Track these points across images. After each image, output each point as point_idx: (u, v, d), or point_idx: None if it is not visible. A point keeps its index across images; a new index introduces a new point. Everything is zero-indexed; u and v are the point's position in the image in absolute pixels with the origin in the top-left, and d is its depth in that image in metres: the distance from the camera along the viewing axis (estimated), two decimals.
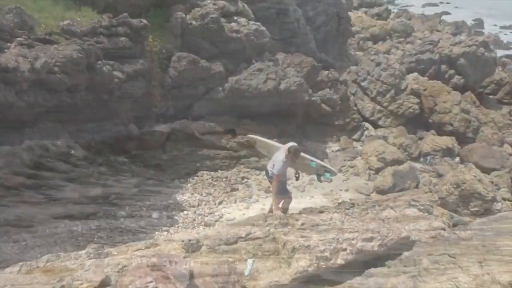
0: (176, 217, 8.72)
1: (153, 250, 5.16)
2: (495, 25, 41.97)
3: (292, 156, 6.06)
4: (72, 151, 7.85)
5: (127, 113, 9.68)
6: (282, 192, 6.53)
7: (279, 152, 6.40)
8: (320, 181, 6.79)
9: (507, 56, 25.45)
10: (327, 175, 6.48)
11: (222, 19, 11.76)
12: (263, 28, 12.82)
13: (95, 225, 8.09)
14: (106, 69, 8.31)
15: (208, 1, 12.25)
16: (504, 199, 8.45)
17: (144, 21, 9.69)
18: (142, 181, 9.44)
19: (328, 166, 6.55)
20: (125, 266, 4.64)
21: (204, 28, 11.30)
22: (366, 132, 14.00)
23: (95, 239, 7.61)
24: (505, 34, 37.12)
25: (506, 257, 3.79)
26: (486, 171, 10.53)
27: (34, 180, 7.89)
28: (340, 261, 5.44)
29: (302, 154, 6.39)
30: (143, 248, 5.22)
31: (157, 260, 4.05)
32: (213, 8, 11.77)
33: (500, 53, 26.07)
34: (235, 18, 12.35)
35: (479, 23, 40.96)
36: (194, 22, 11.26)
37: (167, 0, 11.37)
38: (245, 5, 13.26)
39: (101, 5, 9.83)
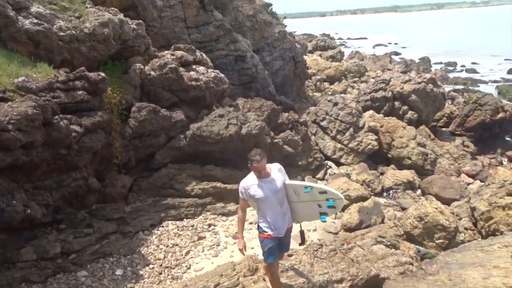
0: (141, 272, 8.35)
1: None
2: (441, 62, 44.96)
3: (253, 167, 4.49)
4: (28, 210, 7.46)
5: (86, 167, 9.42)
6: (266, 253, 4.74)
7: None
8: (325, 220, 4.73)
9: (454, 90, 27.09)
10: (328, 203, 4.42)
11: (181, 69, 11.93)
12: (222, 75, 13.10)
13: (55, 287, 7.62)
14: (63, 124, 8.10)
15: (166, 52, 12.47)
16: (466, 228, 8.67)
17: (102, 74, 9.65)
18: (104, 236, 9.06)
19: (330, 189, 4.58)
20: None
21: (163, 78, 11.40)
22: (329, 171, 14.25)
23: None
24: (450, 71, 39.70)
25: None
26: (447, 202, 10.85)
27: None
28: None
29: (288, 181, 4.73)
30: None
31: None
32: (171, 58, 11.97)
33: (448, 88, 27.79)
34: (194, 66, 12.58)
35: (426, 60, 43.76)
36: (152, 73, 11.35)
37: (125, 52, 11.45)
38: (203, 54, 13.58)
39: (57, 60, 9.74)
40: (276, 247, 4.73)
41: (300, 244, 5.04)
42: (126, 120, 10.67)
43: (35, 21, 9.33)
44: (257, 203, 4.67)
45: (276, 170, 4.69)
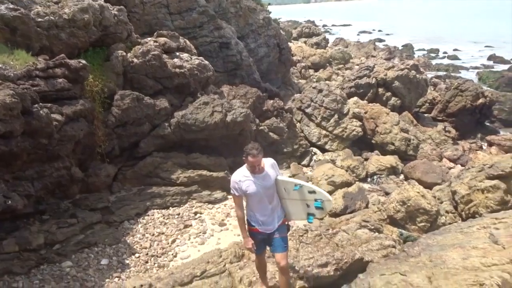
0: (127, 261, 8.32)
1: None
2: (423, 49, 45.29)
3: (248, 161, 4.31)
4: (9, 201, 7.32)
5: (69, 156, 9.26)
6: (256, 248, 4.68)
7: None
8: (312, 221, 4.61)
9: (436, 77, 27.38)
10: (316, 203, 4.40)
11: (164, 56, 11.76)
12: (206, 62, 12.97)
13: (38, 279, 7.55)
14: (44, 113, 7.92)
15: (149, 39, 12.28)
16: (447, 211, 8.82)
17: (83, 61, 9.45)
18: (89, 226, 8.98)
19: (320, 189, 4.50)
20: None
21: (146, 65, 11.23)
22: (314, 157, 14.34)
23: None
24: (432, 58, 40.02)
25: (452, 270, 3.94)
26: (429, 186, 11.02)
27: None
28: None
29: (279, 177, 4.57)
30: None
31: None
32: (154, 45, 11.78)
33: (430, 74, 28.08)
34: (178, 53, 12.41)
35: (409, 47, 44.02)
36: (135, 60, 11.17)
37: (106, 39, 11.22)
38: (187, 41, 13.41)
39: (36, 47, 9.49)
40: (263, 240, 4.66)
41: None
42: (109, 109, 10.51)
43: (11, 6, 9.06)
44: (247, 197, 4.51)
45: (269, 166, 4.49)
